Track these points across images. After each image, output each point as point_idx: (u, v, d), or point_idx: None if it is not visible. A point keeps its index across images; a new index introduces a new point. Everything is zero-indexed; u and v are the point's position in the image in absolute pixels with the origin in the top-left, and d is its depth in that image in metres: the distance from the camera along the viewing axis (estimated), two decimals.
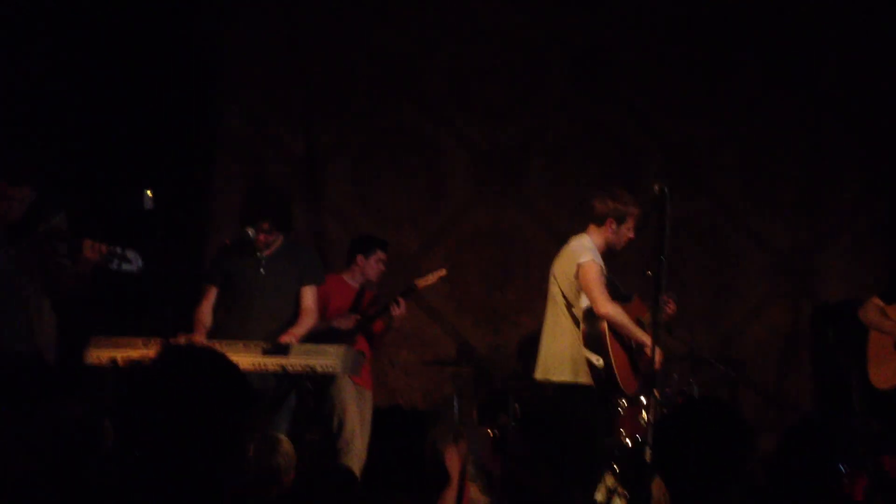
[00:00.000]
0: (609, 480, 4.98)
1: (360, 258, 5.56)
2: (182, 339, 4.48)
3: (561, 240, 6.56)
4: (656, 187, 4.32)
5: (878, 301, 4.84)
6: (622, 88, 6.71)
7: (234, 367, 1.84)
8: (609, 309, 4.43)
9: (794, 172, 6.51)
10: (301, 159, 6.88)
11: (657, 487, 3.91)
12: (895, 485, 4.87)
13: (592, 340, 4.48)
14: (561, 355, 4.60)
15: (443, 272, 5.67)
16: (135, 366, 1.82)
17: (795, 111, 6.53)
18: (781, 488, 2.61)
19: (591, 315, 4.49)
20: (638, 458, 4.60)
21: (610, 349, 4.43)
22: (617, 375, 4.43)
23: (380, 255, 5.57)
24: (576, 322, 4.59)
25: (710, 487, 2.18)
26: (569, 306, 4.61)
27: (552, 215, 6.70)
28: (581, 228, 4.77)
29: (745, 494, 2.22)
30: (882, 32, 6.38)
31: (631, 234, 4.61)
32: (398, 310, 5.43)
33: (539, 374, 4.73)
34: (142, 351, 4.38)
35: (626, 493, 4.62)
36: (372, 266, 5.55)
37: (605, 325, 4.46)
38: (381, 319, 5.52)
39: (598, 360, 4.45)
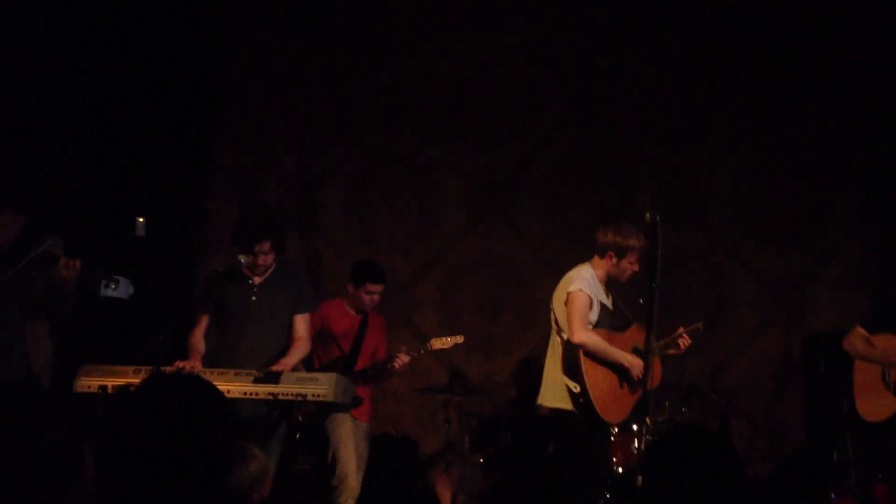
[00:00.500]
0: None
1: (350, 287, 5.51)
2: (179, 366, 4.47)
3: (553, 268, 6.62)
4: (648, 216, 4.35)
5: (861, 330, 4.75)
6: (615, 117, 6.75)
7: (219, 394, 1.84)
8: (583, 338, 4.52)
9: (786, 202, 6.54)
10: (295, 185, 6.89)
11: None
12: None
13: (569, 367, 4.58)
14: (553, 380, 4.69)
15: (460, 339, 5.66)
16: (120, 392, 1.82)
17: (787, 142, 6.57)
18: None
19: (568, 342, 4.59)
20: (629, 487, 4.60)
21: (585, 376, 4.52)
22: (594, 402, 4.51)
23: (370, 287, 5.40)
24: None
25: None
26: (559, 332, 4.69)
27: (545, 244, 6.72)
28: (587, 257, 4.84)
29: None
30: (871, 66, 6.43)
31: (635, 267, 4.67)
32: (400, 365, 5.40)
33: (539, 399, 4.81)
34: (132, 379, 4.37)
35: None
36: (360, 298, 5.43)
37: (581, 352, 4.54)
38: (383, 376, 5.50)
39: (575, 387, 4.55)
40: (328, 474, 5.15)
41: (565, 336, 4.63)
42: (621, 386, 4.64)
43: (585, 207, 6.69)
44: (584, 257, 4.87)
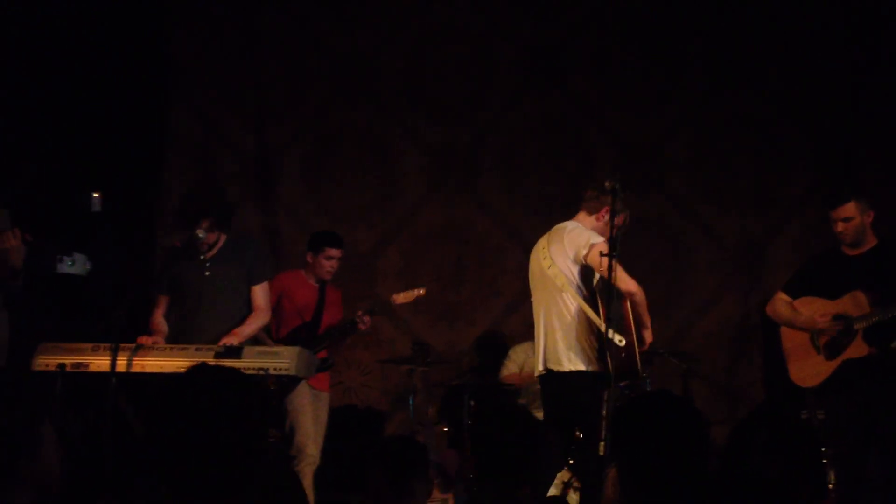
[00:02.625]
0: (564, 474, 5.00)
1: (309, 255, 5.51)
2: (141, 342, 4.43)
3: (515, 237, 6.63)
4: (608, 184, 4.35)
5: (783, 296, 4.73)
6: (574, 85, 6.75)
7: (259, 385, 2.06)
8: (633, 286, 4.32)
9: (744, 167, 6.59)
10: (253, 157, 6.82)
11: (610, 484, 3.93)
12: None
13: (614, 320, 4.24)
14: (568, 343, 4.43)
15: (422, 291, 5.62)
16: (166, 383, 1.94)
17: (744, 106, 6.61)
18: (734, 480, 2.62)
19: (611, 294, 4.21)
20: (593, 453, 4.55)
21: (633, 327, 4.31)
22: (636, 355, 4.31)
23: (329, 252, 5.44)
24: (589, 304, 4.41)
25: (666, 482, 2.18)
26: (577, 288, 4.45)
27: (506, 212, 6.72)
28: (549, 224, 4.69)
29: (701, 489, 2.22)
30: (829, 28, 6.48)
31: (620, 224, 4.34)
32: (364, 326, 5.41)
33: (544, 365, 4.53)
34: (90, 357, 4.32)
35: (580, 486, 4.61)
36: (321, 264, 5.44)
37: (627, 303, 4.34)
38: (349, 335, 5.49)
39: (620, 340, 4.25)
40: (287, 446, 5.14)
41: (586, 292, 4.38)
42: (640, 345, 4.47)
43: (546, 176, 6.69)
44: (547, 225, 4.79)
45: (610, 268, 4.01)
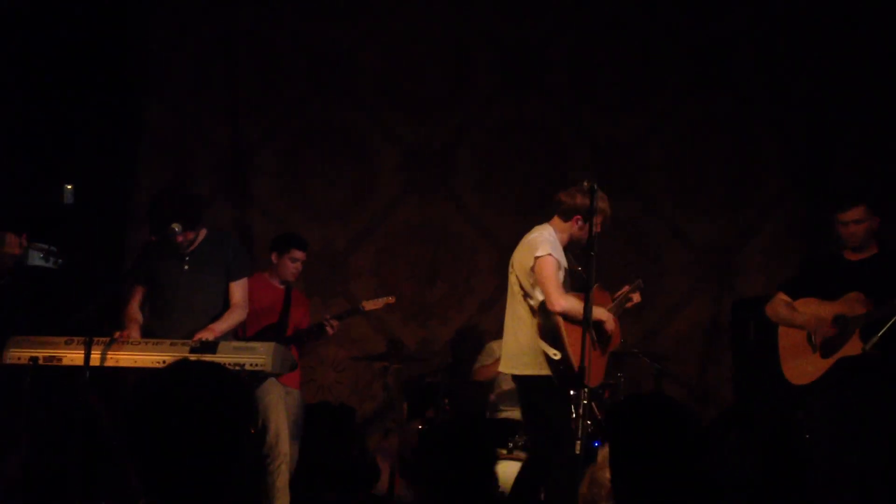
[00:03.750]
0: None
1: (273, 256, 5.49)
2: (116, 335, 4.38)
3: (489, 236, 6.66)
4: (585, 184, 4.37)
5: (783, 296, 4.78)
6: (549, 85, 6.78)
7: (240, 381, 1.93)
8: (564, 305, 4.31)
9: (716, 171, 6.66)
10: (227, 153, 6.78)
11: (586, 486, 3.96)
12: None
13: (548, 333, 4.36)
14: (521, 348, 4.48)
15: (391, 299, 5.67)
16: (146, 379, 1.90)
17: (717, 111, 6.68)
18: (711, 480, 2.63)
19: (545, 309, 4.36)
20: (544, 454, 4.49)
21: (567, 342, 4.31)
22: (575, 368, 4.26)
23: (295, 253, 5.43)
24: (533, 313, 4.47)
25: (662, 485, 2.18)
26: (525, 297, 4.49)
27: (480, 211, 6.74)
28: (528, 225, 4.68)
29: (693, 491, 2.23)
30: (801, 33, 6.56)
31: (598, 230, 4.36)
32: (332, 331, 5.47)
33: (504, 367, 4.62)
34: (62, 350, 4.28)
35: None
36: (285, 265, 5.43)
37: (560, 319, 4.34)
38: (317, 339, 5.51)
39: (555, 354, 4.33)
40: (259, 443, 5.10)
41: (532, 302, 4.43)
42: (594, 348, 4.44)
43: (521, 175, 6.72)
44: (521, 225, 4.81)
45: (591, 266, 4.03)
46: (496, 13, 6.77)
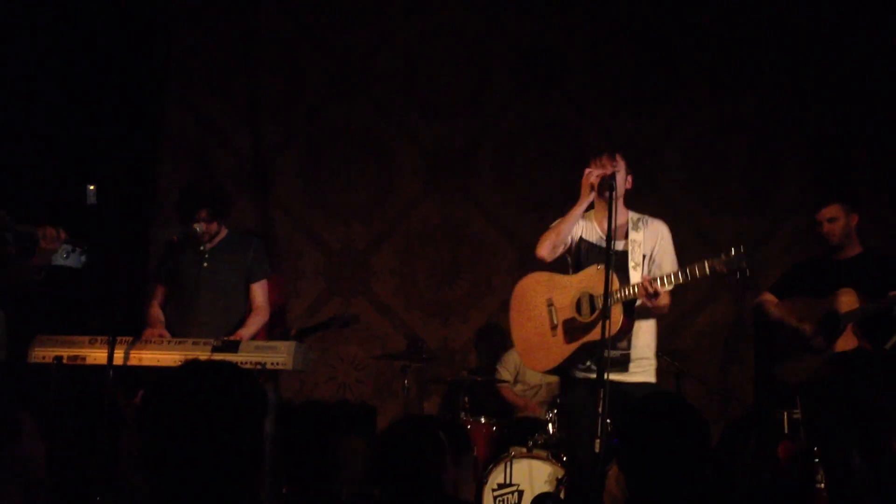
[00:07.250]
0: (558, 471, 5.04)
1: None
2: (147, 335, 4.43)
3: (509, 236, 6.66)
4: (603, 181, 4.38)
5: (770, 296, 4.81)
6: (569, 86, 6.78)
7: (256, 381, 1.93)
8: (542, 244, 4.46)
9: (738, 169, 6.63)
10: (248, 155, 6.83)
11: (612, 481, 3.96)
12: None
13: None
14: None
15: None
16: (160, 378, 1.89)
17: (739, 109, 6.65)
18: (726, 478, 2.64)
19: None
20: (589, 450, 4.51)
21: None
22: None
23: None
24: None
25: (670, 481, 2.20)
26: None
27: (500, 211, 6.75)
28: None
29: (701, 489, 2.25)
30: (822, 33, 6.53)
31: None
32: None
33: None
34: (87, 349, 4.33)
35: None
36: None
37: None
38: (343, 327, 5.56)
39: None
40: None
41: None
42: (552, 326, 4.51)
43: (540, 176, 6.72)
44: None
45: (608, 264, 4.04)
46: (516, 14, 6.78)
